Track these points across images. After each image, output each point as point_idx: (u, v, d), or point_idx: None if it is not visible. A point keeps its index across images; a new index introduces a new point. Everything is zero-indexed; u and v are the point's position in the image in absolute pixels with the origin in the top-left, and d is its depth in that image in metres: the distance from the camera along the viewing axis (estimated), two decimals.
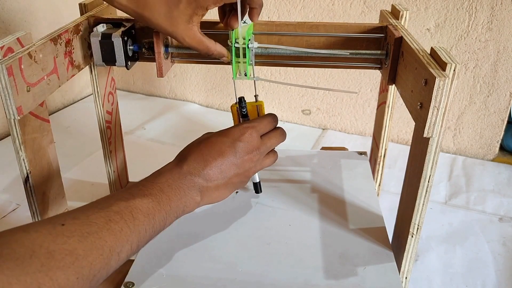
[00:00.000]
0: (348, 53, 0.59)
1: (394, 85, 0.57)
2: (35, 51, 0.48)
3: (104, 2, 0.65)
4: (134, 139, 1.08)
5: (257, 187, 0.62)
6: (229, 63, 0.58)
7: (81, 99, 1.30)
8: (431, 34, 0.96)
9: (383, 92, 0.71)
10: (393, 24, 0.59)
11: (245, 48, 0.55)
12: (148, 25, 0.51)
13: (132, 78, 1.34)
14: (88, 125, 1.12)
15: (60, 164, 0.58)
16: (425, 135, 0.44)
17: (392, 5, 0.65)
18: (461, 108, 1.00)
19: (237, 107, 0.57)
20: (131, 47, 0.59)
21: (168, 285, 0.48)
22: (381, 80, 0.74)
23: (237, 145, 0.50)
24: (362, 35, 0.60)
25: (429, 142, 0.44)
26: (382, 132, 0.72)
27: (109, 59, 0.58)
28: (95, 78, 0.66)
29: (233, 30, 0.54)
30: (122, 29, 0.58)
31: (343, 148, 0.81)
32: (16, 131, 0.49)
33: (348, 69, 1.01)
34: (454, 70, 0.42)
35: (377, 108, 0.75)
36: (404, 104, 0.52)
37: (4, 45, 0.45)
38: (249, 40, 0.55)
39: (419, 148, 0.47)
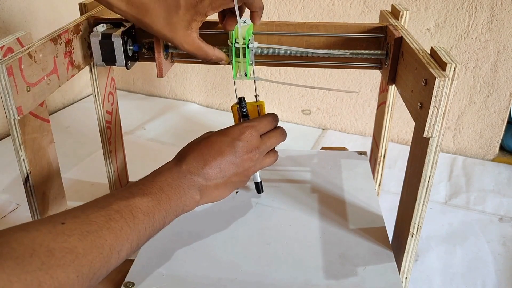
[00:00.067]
0: (348, 53, 0.59)
1: (394, 85, 0.58)
2: (35, 51, 0.49)
3: None
4: (134, 139, 1.08)
5: (259, 187, 0.62)
6: (229, 63, 0.58)
7: (81, 99, 1.30)
8: (431, 34, 0.96)
9: (383, 92, 0.71)
10: (393, 24, 0.59)
11: (245, 48, 0.55)
12: (148, 31, 0.52)
13: (132, 78, 1.34)
14: (88, 125, 1.12)
15: (60, 164, 0.58)
16: (425, 135, 0.44)
17: (392, 5, 0.65)
18: (461, 108, 1.00)
19: (237, 107, 0.57)
20: (131, 47, 0.59)
21: (168, 285, 0.48)
22: (381, 80, 0.74)
23: (236, 144, 0.50)
24: (362, 35, 0.60)
25: (429, 142, 0.44)
26: (382, 132, 0.72)
27: (109, 59, 0.58)
28: (95, 78, 0.66)
29: (231, 31, 0.55)
30: (122, 29, 0.58)
31: (343, 148, 0.81)
32: (16, 131, 0.49)
33: (348, 69, 1.01)
34: (454, 70, 0.42)
35: (377, 108, 0.75)
36: (404, 104, 0.52)
37: (4, 45, 0.45)
38: (249, 40, 0.55)
39: (419, 148, 0.47)
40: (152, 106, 1.27)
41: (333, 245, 0.53)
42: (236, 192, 0.63)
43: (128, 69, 0.61)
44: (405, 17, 0.61)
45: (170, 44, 0.58)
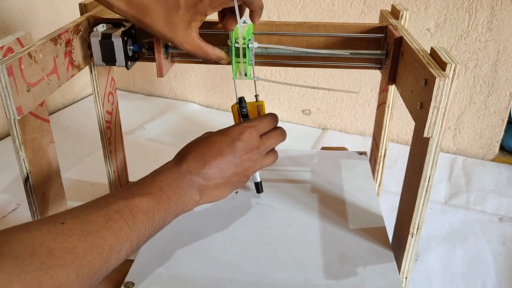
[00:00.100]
0: (348, 53, 0.59)
1: (394, 85, 0.58)
2: (35, 51, 0.49)
3: None
4: (134, 139, 1.08)
5: (258, 187, 0.62)
6: (229, 63, 0.58)
7: (81, 99, 1.30)
8: (431, 34, 0.96)
9: (383, 92, 0.71)
10: (393, 24, 0.59)
11: (245, 48, 0.55)
12: (148, 31, 0.52)
13: (132, 78, 1.34)
14: (88, 125, 1.11)
15: (60, 164, 0.58)
16: (425, 135, 0.44)
17: (392, 5, 0.65)
18: (461, 108, 1.00)
19: (237, 107, 0.57)
20: (131, 47, 0.59)
21: (168, 285, 0.48)
22: (381, 80, 0.74)
23: (236, 144, 0.50)
24: (362, 35, 0.60)
25: (429, 142, 0.44)
26: (382, 132, 0.72)
27: (109, 59, 0.58)
28: (95, 78, 0.66)
29: (231, 31, 0.55)
30: (122, 29, 0.58)
31: (343, 148, 0.81)
32: (16, 131, 0.49)
33: (348, 69, 1.01)
34: (454, 70, 0.42)
35: (377, 108, 0.75)
36: (404, 104, 0.52)
37: (4, 45, 0.45)
38: (249, 40, 0.55)
39: (419, 148, 0.47)
40: (152, 106, 1.27)
41: (333, 245, 0.53)
42: (236, 192, 0.63)
43: (128, 69, 0.61)
44: (405, 17, 0.61)
45: (170, 44, 0.58)
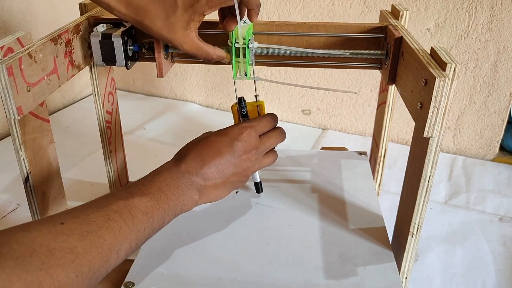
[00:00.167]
0: (348, 53, 0.59)
1: (394, 85, 0.58)
2: (35, 51, 0.49)
3: None
4: (134, 139, 1.08)
5: (258, 187, 0.62)
6: (229, 63, 0.58)
7: (81, 99, 1.30)
8: (431, 34, 0.96)
9: (383, 92, 0.71)
10: (393, 24, 0.59)
11: (245, 48, 0.55)
12: (147, 32, 0.52)
13: (132, 78, 1.34)
14: (88, 125, 1.12)
15: (60, 164, 0.58)
16: (425, 135, 0.44)
17: (392, 5, 0.65)
18: (461, 108, 1.00)
19: (237, 107, 0.57)
20: (131, 47, 0.59)
21: (168, 285, 0.48)
22: (381, 80, 0.74)
23: (235, 144, 0.50)
24: (362, 35, 0.60)
25: (429, 142, 0.44)
26: (382, 132, 0.72)
27: (109, 59, 0.58)
28: (95, 78, 0.66)
29: (231, 31, 0.55)
30: (122, 29, 0.58)
31: (343, 148, 0.81)
32: (16, 131, 0.49)
33: (348, 69, 1.01)
34: (454, 70, 0.42)
35: (377, 108, 0.75)
36: (404, 104, 0.52)
37: (4, 45, 0.45)
38: (249, 40, 0.55)
39: (419, 148, 0.47)
40: (152, 106, 1.27)
41: (333, 245, 0.53)
42: (236, 192, 0.63)
43: (128, 69, 0.61)
44: (405, 17, 0.61)
45: (170, 45, 0.58)
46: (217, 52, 0.56)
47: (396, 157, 1.02)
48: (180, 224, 0.56)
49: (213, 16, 0.59)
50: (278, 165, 0.66)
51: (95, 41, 0.58)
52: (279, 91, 1.16)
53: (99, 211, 0.38)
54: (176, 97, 1.30)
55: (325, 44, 0.61)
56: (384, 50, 0.59)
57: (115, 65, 0.59)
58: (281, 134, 0.55)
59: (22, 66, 0.46)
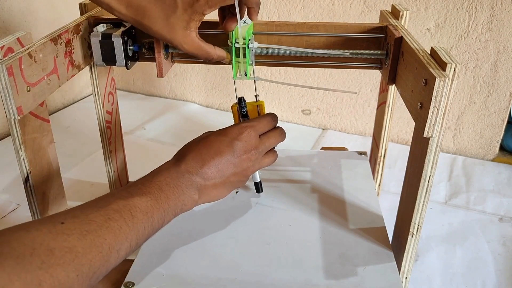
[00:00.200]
0: (348, 53, 0.59)
1: (394, 85, 0.58)
2: (35, 51, 0.49)
3: None
4: (134, 139, 1.08)
5: (258, 187, 0.62)
6: (229, 63, 0.58)
7: (81, 99, 1.30)
8: (431, 34, 0.96)
9: (383, 92, 0.71)
10: (393, 24, 0.59)
11: (245, 48, 0.55)
12: (148, 33, 0.52)
13: (132, 78, 1.34)
14: (88, 125, 1.12)
15: (60, 164, 0.58)
16: (425, 135, 0.44)
17: (392, 5, 0.65)
18: (461, 108, 1.00)
19: (237, 107, 0.57)
20: (131, 47, 0.59)
21: (168, 285, 0.48)
22: (381, 80, 0.74)
23: (235, 144, 0.50)
24: (362, 35, 0.60)
25: (429, 142, 0.44)
26: (382, 132, 0.72)
27: (109, 59, 0.58)
28: (95, 78, 0.66)
29: (231, 31, 0.55)
30: (122, 29, 0.58)
31: (343, 148, 0.81)
32: (16, 131, 0.49)
33: (348, 69, 1.01)
34: (454, 70, 0.42)
35: (377, 108, 0.75)
36: (404, 104, 0.52)
37: (4, 45, 0.45)
38: (249, 40, 0.55)
39: (419, 148, 0.47)
40: (152, 106, 1.27)
41: (333, 245, 0.53)
42: (236, 192, 0.63)
43: (128, 69, 0.61)
44: (405, 17, 0.61)
45: (170, 45, 0.58)
46: (218, 52, 0.56)
47: (396, 157, 1.02)
48: (180, 224, 0.56)
49: (213, 16, 0.59)
50: (278, 165, 0.66)
51: (95, 41, 0.58)
52: (279, 91, 1.16)
53: (99, 211, 0.38)
54: (176, 97, 1.30)
55: (325, 44, 0.61)
56: (384, 50, 0.59)
57: (115, 65, 0.59)
58: (281, 134, 0.55)
59: (22, 66, 0.46)
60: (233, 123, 0.57)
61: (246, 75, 0.57)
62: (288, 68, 1.06)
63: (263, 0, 1.05)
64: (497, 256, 0.74)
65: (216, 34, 0.60)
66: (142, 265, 0.50)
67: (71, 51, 0.57)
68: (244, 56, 0.56)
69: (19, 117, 0.47)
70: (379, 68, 0.62)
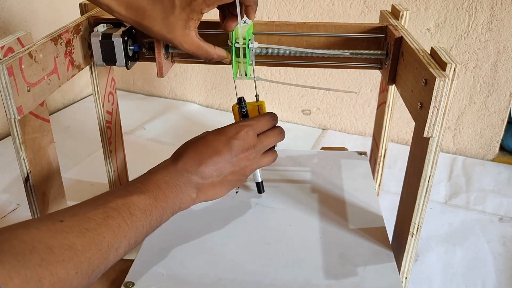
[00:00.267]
0: (348, 53, 0.59)
1: (394, 85, 0.58)
2: (36, 51, 0.49)
3: None
4: (134, 139, 1.08)
5: (260, 187, 0.61)
6: (229, 63, 0.58)
7: (81, 99, 1.30)
8: (431, 34, 0.96)
9: (383, 92, 0.71)
10: (393, 24, 0.59)
11: (245, 48, 0.55)
12: (148, 34, 0.52)
13: (132, 78, 1.34)
14: (88, 125, 1.12)
15: (60, 164, 0.58)
16: (425, 135, 0.44)
17: (392, 5, 0.65)
18: (461, 108, 1.00)
19: (238, 107, 0.57)
20: (131, 47, 0.59)
21: (168, 285, 0.48)
22: (381, 80, 0.74)
23: (232, 143, 0.50)
24: (362, 35, 0.60)
25: (429, 142, 0.44)
26: (382, 132, 0.72)
27: (109, 59, 0.58)
28: (95, 78, 0.66)
29: (231, 31, 0.55)
30: (123, 29, 0.58)
31: (343, 148, 0.81)
32: (16, 131, 0.49)
33: (348, 69, 1.01)
34: (454, 70, 0.42)
35: (377, 108, 0.75)
36: (404, 104, 0.52)
37: (4, 45, 0.45)
38: (249, 40, 0.55)
39: (419, 148, 0.47)
40: (152, 106, 1.27)
41: (333, 245, 0.53)
42: (236, 192, 0.63)
43: (128, 69, 0.61)
44: (405, 17, 0.61)
45: (170, 45, 0.58)
46: (218, 51, 0.55)
47: (396, 157, 1.02)
48: (180, 224, 0.56)
49: (214, 16, 0.59)
50: (278, 165, 0.66)
51: (95, 41, 0.58)
52: (279, 91, 1.16)
53: (97, 209, 0.38)
54: (176, 97, 1.30)
55: (325, 44, 0.61)
56: (384, 50, 0.59)
57: (115, 65, 0.59)
58: (280, 133, 0.55)
59: (23, 66, 0.46)
60: None
61: (246, 75, 0.57)
62: (288, 68, 1.06)
63: (263, 0, 1.05)
64: (497, 256, 0.74)
65: (216, 34, 0.60)
66: (142, 265, 0.50)
67: (71, 51, 0.57)
68: (244, 56, 0.56)
69: (19, 117, 0.47)
70: (379, 68, 0.62)
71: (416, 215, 0.49)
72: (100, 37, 0.57)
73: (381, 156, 0.75)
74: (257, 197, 0.62)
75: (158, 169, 0.47)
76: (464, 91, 0.98)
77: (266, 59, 0.62)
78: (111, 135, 0.72)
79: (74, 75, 0.58)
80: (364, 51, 0.59)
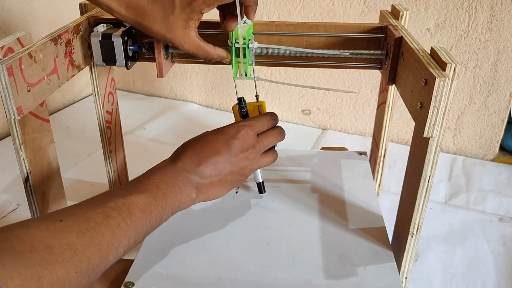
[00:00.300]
0: (348, 53, 0.59)
1: (394, 85, 0.58)
2: (35, 51, 0.49)
3: None
4: (134, 139, 1.08)
5: (261, 187, 0.61)
6: (230, 63, 0.58)
7: (81, 99, 1.30)
8: (431, 34, 0.96)
9: (383, 92, 0.71)
10: (393, 24, 0.59)
11: (245, 48, 0.55)
12: (148, 34, 0.52)
13: (132, 78, 1.34)
14: (88, 125, 1.12)
15: (60, 164, 0.58)
16: (425, 135, 0.44)
17: (392, 5, 0.65)
18: (461, 108, 1.00)
19: (238, 107, 0.57)
20: (131, 47, 0.59)
21: (168, 285, 0.48)
22: (381, 80, 0.74)
23: (231, 143, 0.50)
24: (362, 35, 0.60)
25: (429, 142, 0.44)
26: (382, 132, 0.72)
27: (109, 59, 0.58)
28: (95, 78, 0.66)
29: (231, 31, 0.55)
30: (122, 29, 0.58)
31: (343, 148, 0.81)
32: (16, 131, 0.49)
33: (348, 69, 1.01)
34: (454, 70, 0.42)
35: (377, 108, 0.75)
36: (404, 104, 0.52)
37: (4, 45, 0.45)
38: (249, 40, 0.55)
39: (419, 148, 0.47)
40: (152, 106, 1.27)
41: (333, 245, 0.53)
42: (236, 192, 0.63)
43: (128, 69, 0.61)
44: (405, 17, 0.61)
45: (171, 45, 0.58)
46: (218, 51, 0.55)
47: (396, 157, 1.02)
48: (180, 224, 0.56)
49: (214, 16, 0.59)
50: (278, 165, 0.66)
51: (95, 41, 0.58)
52: (279, 91, 1.16)
53: (97, 209, 0.38)
54: (176, 97, 1.30)
55: (325, 44, 0.61)
56: (384, 50, 0.59)
57: (115, 65, 0.59)
58: (280, 133, 0.55)
59: (22, 66, 0.46)
60: None
61: (246, 75, 0.57)
62: (288, 68, 1.06)
63: (263, 0, 1.05)
64: (497, 256, 0.74)
65: (216, 34, 0.60)
66: (142, 265, 0.50)
67: (71, 51, 0.57)
68: (244, 56, 0.56)
69: (19, 117, 0.47)
70: (379, 68, 0.62)
71: (416, 215, 0.49)
72: (100, 37, 0.57)
73: (381, 156, 0.75)
74: (257, 197, 0.62)
75: (158, 169, 0.47)
76: (464, 91, 0.98)
77: (266, 59, 0.62)
78: (111, 135, 0.72)
79: (74, 75, 0.58)
80: (364, 51, 0.59)
